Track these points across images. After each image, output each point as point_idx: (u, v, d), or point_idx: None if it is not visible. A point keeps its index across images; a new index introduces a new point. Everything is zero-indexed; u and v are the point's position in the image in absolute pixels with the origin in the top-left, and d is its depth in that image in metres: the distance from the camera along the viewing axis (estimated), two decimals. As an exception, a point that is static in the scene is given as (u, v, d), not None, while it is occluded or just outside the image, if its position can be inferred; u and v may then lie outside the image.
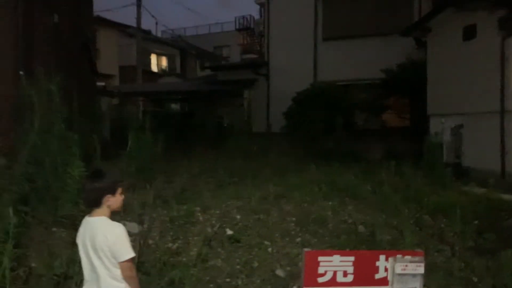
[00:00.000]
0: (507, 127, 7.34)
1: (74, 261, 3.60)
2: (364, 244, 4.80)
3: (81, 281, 3.61)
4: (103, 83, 14.43)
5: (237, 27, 30.33)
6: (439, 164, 6.98)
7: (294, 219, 5.18)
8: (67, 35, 8.60)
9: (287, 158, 9.48)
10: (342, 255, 3.22)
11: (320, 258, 3.12)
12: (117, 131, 9.95)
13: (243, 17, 30.61)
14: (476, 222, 5.31)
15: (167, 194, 5.75)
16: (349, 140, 11.13)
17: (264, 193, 5.80)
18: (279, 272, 4.27)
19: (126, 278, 2.30)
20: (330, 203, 5.63)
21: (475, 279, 4.60)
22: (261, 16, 25.28)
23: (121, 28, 25.77)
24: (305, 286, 3.07)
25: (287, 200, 5.63)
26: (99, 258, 2.27)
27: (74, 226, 4.25)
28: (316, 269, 3.10)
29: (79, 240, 2.36)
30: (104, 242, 2.25)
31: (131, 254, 2.29)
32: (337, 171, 7.24)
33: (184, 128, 13.74)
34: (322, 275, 3.11)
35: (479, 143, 7.98)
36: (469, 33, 8.21)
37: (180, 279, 3.99)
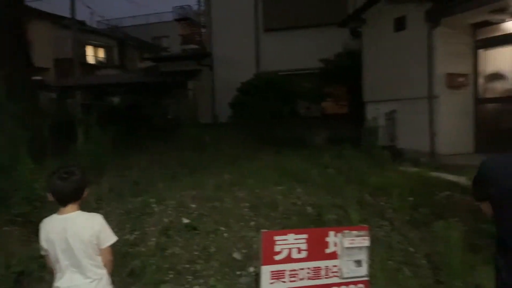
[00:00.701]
0: (435, 111, 8.03)
1: (32, 258, 3.62)
2: (313, 224, 5.13)
3: (40, 276, 3.66)
4: (39, 77, 13.79)
5: (176, 17, 29.92)
6: (377, 147, 7.50)
7: (247, 204, 5.41)
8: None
9: (236, 147, 9.70)
10: (296, 233, 3.50)
11: (276, 238, 3.38)
12: (58, 126, 9.67)
13: (182, 7, 30.22)
14: (411, 198, 5.79)
15: (120, 188, 5.78)
16: (293, 128, 11.58)
17: (217, 181, 5.98)
18: (236, 255, 4.51)
19: (108, 262, 2.50)
20: (280, 187, 5.92)
21: (412, 250, 5.11)
22: (199, 6, 25.11)
23: (54, 19, 24.58)
24: (264, 265, 3.33)
25: (240, 187, 5.85)
26: (85, 250, 2.41)
27: (26, 224, 4.23)
28: (273, 248, 3.36)
29: (52, 237, 2.41)
30: (92, 232, 2.40)
31: (114, 238, 2.52)
32: (285, 157, 7.57)
33: (129, 121, 13.51)
34: (278, 253, 3.38)
35: (411, 126, 8.65)
36: (400, 24, 8.82)
37: (140, 268, 4.12)
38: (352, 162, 7.04)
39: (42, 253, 2.52)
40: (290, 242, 3.43)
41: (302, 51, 13.87)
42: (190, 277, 4.18)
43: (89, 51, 29.97)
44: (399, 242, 5.17)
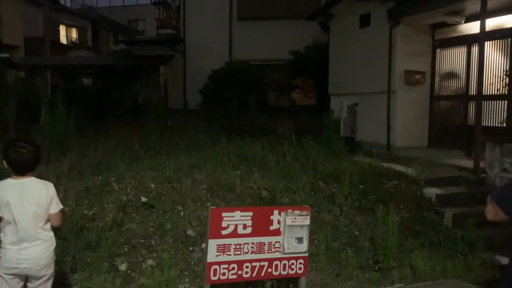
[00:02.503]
0: (392, 106, 8.44)
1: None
2: (267, 206, 5.43)
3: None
4: (7, 55, 13.54)
5: (153, 0, 29.50)
6: (335, 137, 7.84)
7: (205, 186, 5.65)
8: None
9: (202, 133, 9.87)
10: (242, 210, 3.78)
11: (223, 214, 3.65)
12: (25, 105, 9.63)
13: (159, -11, 29.75)
14: (361, 186, 6.15)
15: (82, 167, 5.92)
16: (262, 117, 11.82)
17: (178, 164, 6.19)
18: (190, 232, 4.77)
19: (56, 226, 2.81)
20: (238, 172, 6.18)
21: (357, 233, 5.48)
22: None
23: (27, -4, 23.88)
24: (210, 238, 3.60)
25: (200, 170, 6.08)
26: (36, 212, 2.67)
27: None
28: (220, 223, 3.63)
29: (8, 198, 2.62)
30: (45, 197, 2.69)
31: (61, 206, 2.83)
32: (247, 145, 7.82)
33: (98, 104, 13.46)
34: (225, 228, 3.66)
35: (370, 119, 9.06)
36: (365, 21, 9.17)
37: (96, 242, 4.32)
38: (310, 151, 7.35)
39: None
40: (236, 219, 3.71)
41: (274, 42, 14.11)
42: (144, 251, 4.42)
43: (62, 31, 29.30)
44: (346, 226, 5.53)
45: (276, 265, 3.83)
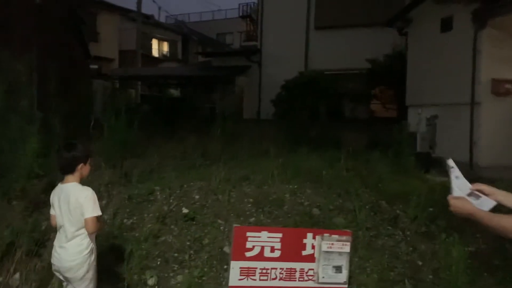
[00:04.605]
0: (476, 119, 7.45)
1: (23, 231, 3.84)
2: (316, 226, 4.98)
3: (28, 250, 3.86)
4: (96, 66, 14.61)
5: (241, 14, 30.27)
6: (407, 153, 7.10)
7: (251, 200, 5.36)
8: (53, 16, 8.76)
9: (269, 143, 9.62)
10: (270, 231, 3.43)
11: (248, 234, 3.33)
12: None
13: (247, 4, 30.51)
14: (431, 209, 5.45)
15: (134, 174, 5.95)
16: (337, 129, 11.26)
17: (229, 175, 5.98)
18: (227, 249, 4.48)
19: (90, 231, 2.80)
20: (290, 186, 5.80)
21: (420, 263, 4.80)
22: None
23: (122, 12, 25.87)
24: (233, 260, 3.30)
25: (250, 183, 5.81)
26: (71, 216, 2.77)
27: (25, 198, 4.49)
28: (244, 244, 3.31)
29: (54, 201, 2.85)
30: (77, 203, 2.74)
31: (96, 212, 2.80)
32: (309, 157, 7.39)
33: (176, 113, 13.90)
34: (250, 249, 3.33)
35: (451, 134, 8.11)
36: (446, 25, 8.28)
37: (130, 253, 4.23)
38: (376, 166, 6.72)
39: (51, 212, 2.93)
40: (263, 240, 3.37)
41: (351, 50, 13.49)
42: (176, 265, 4.23)
43: (154, 44, 31.21)
44: (407, 254, 4.89)
45: (309, 296, 3.39)
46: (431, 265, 4.70)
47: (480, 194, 2.12)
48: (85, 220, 2.75)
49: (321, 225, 4.99)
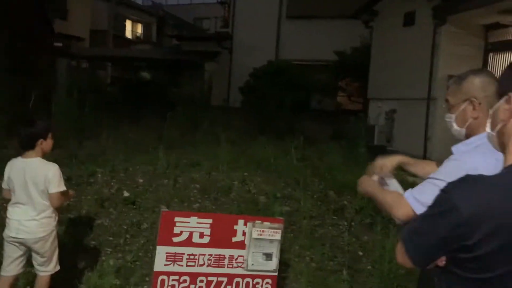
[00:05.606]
0: (432, 114, 7.56)
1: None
2: (261, 213, 4.95)
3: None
4: (60, 44, 14.12)
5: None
6: (362, 145, 7.15)
7: (198, 186, 5.29)
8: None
9: (232, 131, 9.53)
10: (200, 217, 3.36)
11: (176, 219, 3.25)
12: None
13: (224, -12, 30.04)
14: (377, 200, 5.48)
15: (81, 155, 5.79)
16: (303, 119, 11.26)
17: (179, 160, 5.88)
18: (165, 234, 4.41)
19: (54, 207, 2.91)
20: (241, 173, 5.75)
21: (361, 253, 4.84)
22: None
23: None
24: (159, 245, 3.21)
25: (200, 169, 5.73)
26: (37, 190, 2.84)
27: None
28: (172, 229, 3.23)
29: (12, 175, 2.88)
30: (44, 177, 2.81)
31: (61, 187, 2.91)
32: (263, 146, 7.36)
33: (142, 96, 13.64)
34: (178, 235, 3.25)
35: (408, 128, 8.21)
36: (409, 19, 8.33)
37: (61, 236, 4.09)
38: (330, 157, 6.75)
39: (3, 186, 2.98)
40: (192, 225, 3.29)
41: (321, 41, 13.46)
42: (109, 249, 4.13)
43: (128, 25, 30.54)
44: (349, 244, 4.91)
45: (238, 283, 3.35)
46: (372, 256, 4.73)
47: (390, 179, 2.14)
48: (50, 195, 2.86)
49: (265, 213, 4.96)
